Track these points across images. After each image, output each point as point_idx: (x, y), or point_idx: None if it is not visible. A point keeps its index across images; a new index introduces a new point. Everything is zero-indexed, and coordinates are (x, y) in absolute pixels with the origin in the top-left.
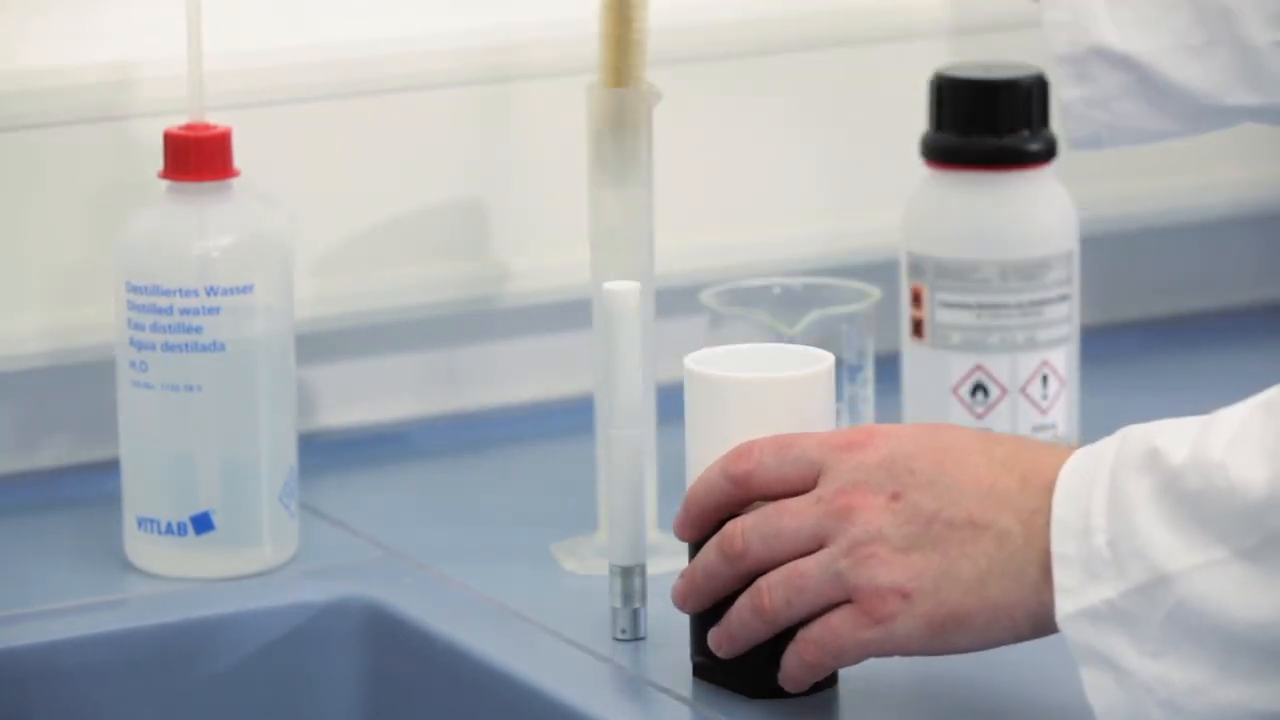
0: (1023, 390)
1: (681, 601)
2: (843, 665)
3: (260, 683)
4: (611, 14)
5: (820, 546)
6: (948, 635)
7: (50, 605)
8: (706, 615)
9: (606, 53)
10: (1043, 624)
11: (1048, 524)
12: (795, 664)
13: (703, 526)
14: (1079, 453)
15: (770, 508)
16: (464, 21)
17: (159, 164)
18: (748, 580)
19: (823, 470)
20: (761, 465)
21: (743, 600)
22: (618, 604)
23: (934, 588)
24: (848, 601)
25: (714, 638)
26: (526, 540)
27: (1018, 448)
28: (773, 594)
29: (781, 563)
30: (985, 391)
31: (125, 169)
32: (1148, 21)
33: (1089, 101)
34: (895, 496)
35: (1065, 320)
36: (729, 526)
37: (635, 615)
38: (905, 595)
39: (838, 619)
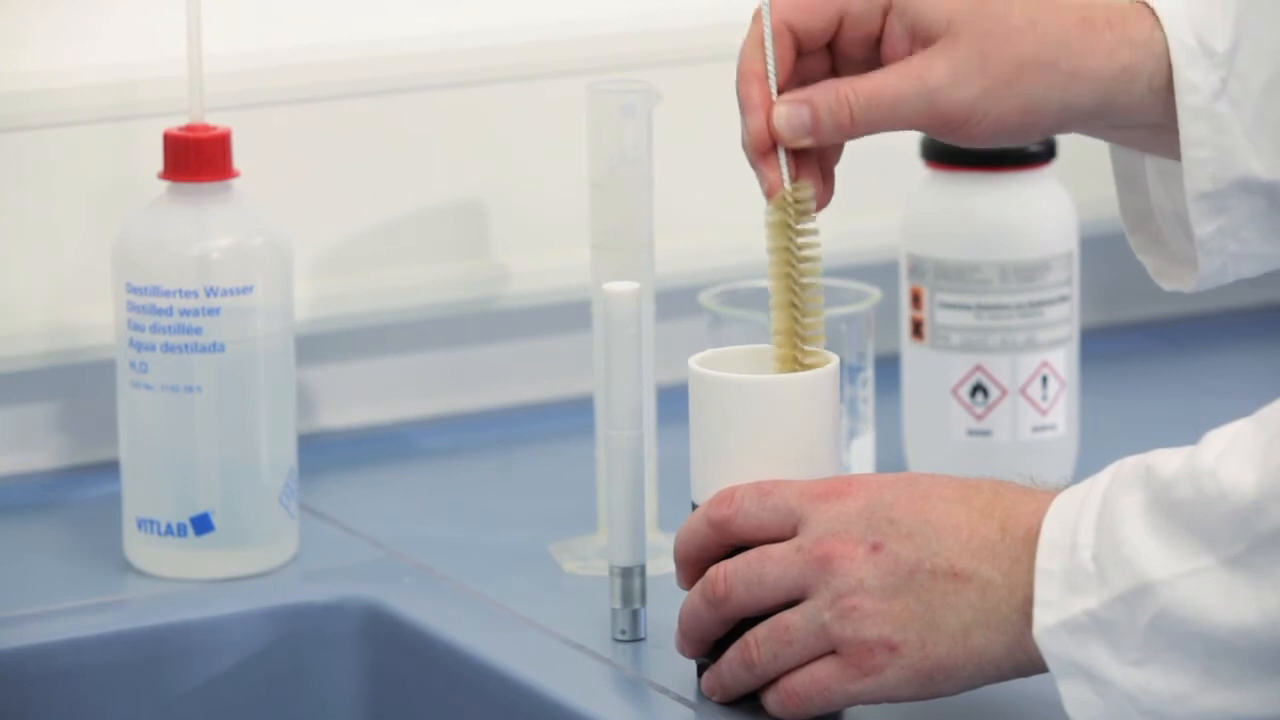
0: (1023, 391)
1: (679, 649)
2: (828, 712)
3: (260, 683)
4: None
5: (802, 595)
6: (935, 684)
7: (50, 606)
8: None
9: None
10: (1025, 667)
11: (1030, 572)
12: (778, 709)
13: (690, 573)
14: (1074, 486)
15: (753, 553)
16: (464, 22)
17: (159, 164)
18: (734, 624)
19: (802, 519)
20: (741, 511)
21: (732, 653)
22: (617, 605)
23: (919, 640)
24: (832, 652)
25: (707, 685)
26: (526, 540)
27: (996, 494)
28: (760, 648)
29: (763, 609)
30: (985, 392)
31: (125, 169)
32: None
33: (1224, 232)
34: (876, 548)
35: (1065, 321)
36: (711, 571)
37: (635, 616)
38: (892, 648)
39: (824, 672)
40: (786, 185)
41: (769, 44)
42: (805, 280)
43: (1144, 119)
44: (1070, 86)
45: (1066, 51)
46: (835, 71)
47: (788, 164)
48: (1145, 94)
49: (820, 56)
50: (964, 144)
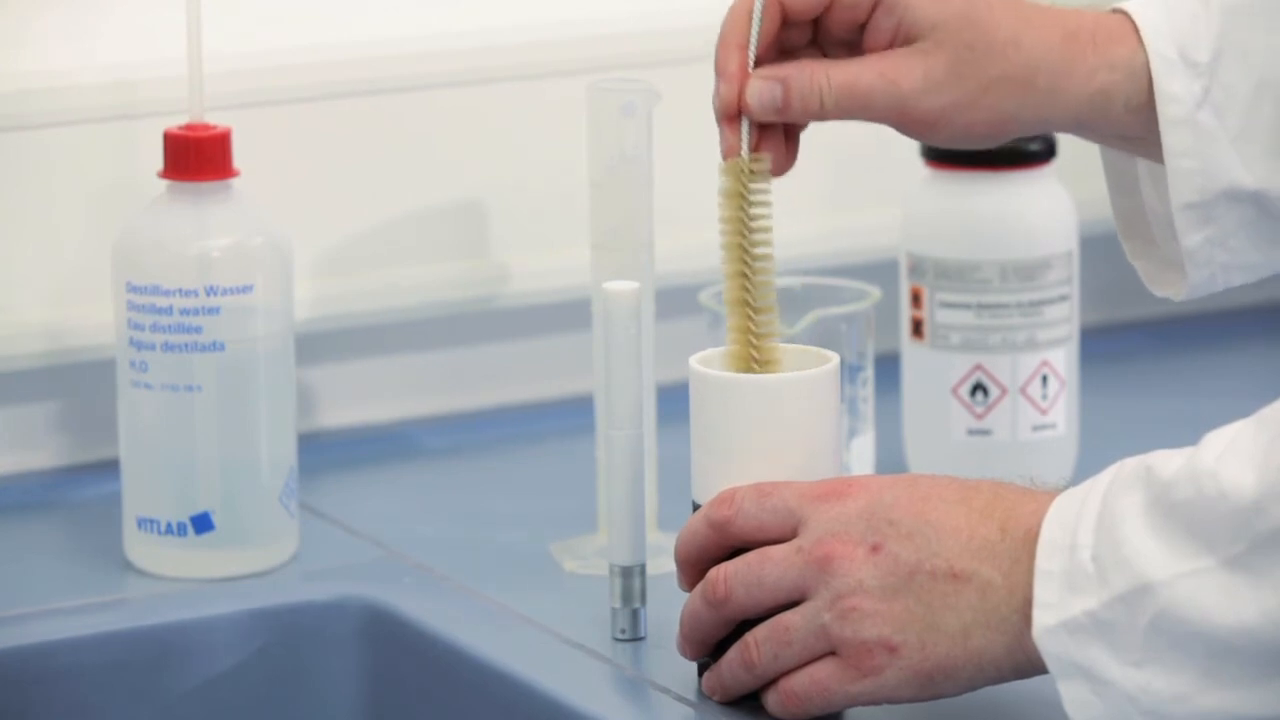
0: (1023, 390)
1: (680, 651)
2: (828, 713)
3: (260, 682)
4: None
5: (802, 596)
6: (935, 685)
7: (50, 605)
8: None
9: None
10: (1025, 668)
11: (1029, 573)
12: (778, 710)
13: (690, 574)
14: (1074, 487)
15: (753, 555)
16: (464, 22)
17: (159, 164)
18: (734, 625)
19: (802, 521)
20: (741, 512)
21: (732, 654)
22: (617, 604)
23: (919, 641)
24: (832, 653)
25: (707, 685)
26: (526, 540)
27: (996, 495)
28: (760, 649)
29: (763, 610)
30: (985, 391)
31: (125, 169)
32: (1275, 154)
33: (1212, 242)
34: (875, 548)
35: (1065, 320)
36: (712, 572)
37: (635, 615)
38: (891, 649)
39: (824, 672)
40: (745, 154)
41: (757, 17)
42: (757, 250)
43: (1123, 133)
44: (1044, 105)
45: (1046, 70)
46: (816, 43)
47: (750, 133)
48: (1122, 113)
49: (803, 28)
50: (931, 144)
